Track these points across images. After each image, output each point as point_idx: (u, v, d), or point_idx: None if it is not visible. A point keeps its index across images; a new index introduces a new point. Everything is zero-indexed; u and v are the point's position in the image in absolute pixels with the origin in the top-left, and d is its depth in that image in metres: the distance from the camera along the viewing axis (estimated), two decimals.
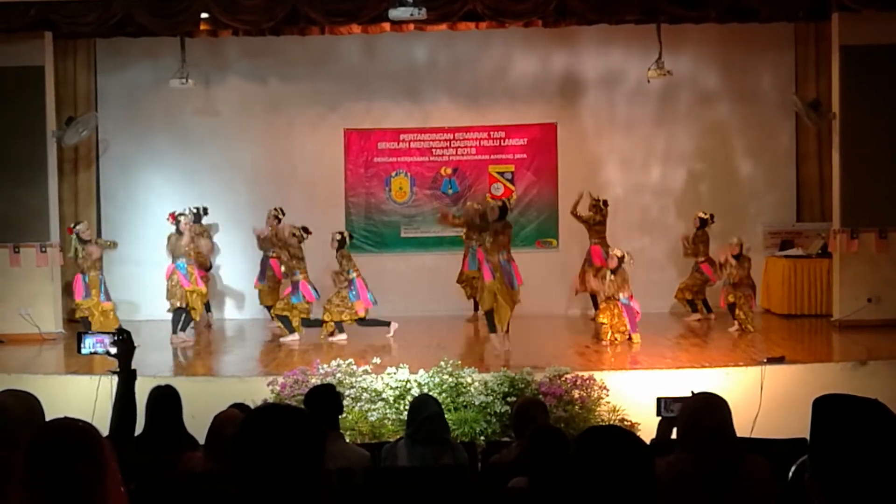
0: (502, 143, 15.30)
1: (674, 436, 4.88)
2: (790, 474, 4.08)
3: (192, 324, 13.01)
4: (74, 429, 2.66)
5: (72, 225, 12.95)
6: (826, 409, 2.55)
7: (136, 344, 4.38)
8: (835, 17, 12.64)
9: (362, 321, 12.45)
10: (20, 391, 3.35)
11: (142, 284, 14.55)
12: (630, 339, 11.63)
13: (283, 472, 2.41)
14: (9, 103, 12.91)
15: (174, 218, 12.76)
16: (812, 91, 14.27)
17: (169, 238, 12.72)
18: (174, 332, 12.60)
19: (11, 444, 2.95)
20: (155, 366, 10.73)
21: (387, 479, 5.66)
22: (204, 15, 12.42)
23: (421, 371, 9.41)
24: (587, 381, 9.35)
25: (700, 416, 3.78)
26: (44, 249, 13.05)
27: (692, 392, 4.68)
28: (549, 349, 11.28)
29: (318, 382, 8.68)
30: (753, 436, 6.15)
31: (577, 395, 9.23)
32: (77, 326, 13.61)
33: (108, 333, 4.34)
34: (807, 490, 2.53)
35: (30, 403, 3.26)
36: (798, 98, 13.84)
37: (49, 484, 2.54)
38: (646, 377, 9.75)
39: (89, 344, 4.37)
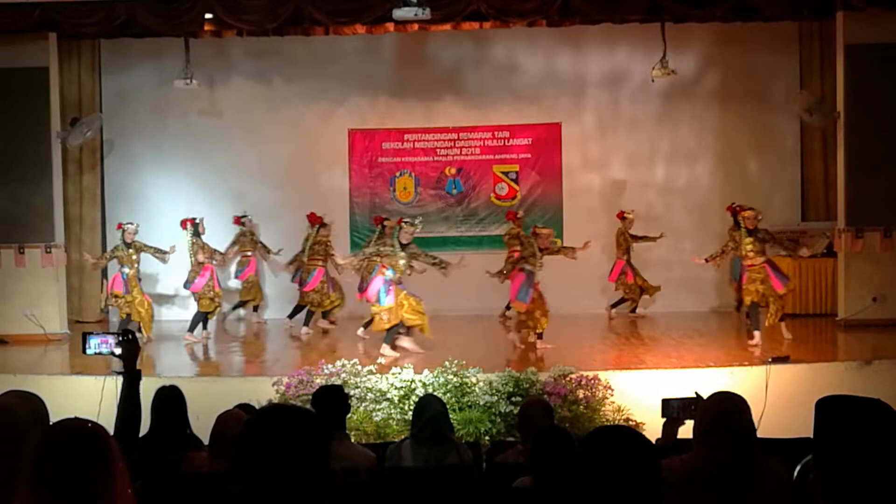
0: (506, 143, 15.31)
1: (680, 436, 4.89)
2: (795, 474, 4.07)
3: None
4: (83, 429, 2.66)
5: (123, 222, 13.04)
6: (829, 410, 2.55)
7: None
8: (839, 16, 12.62)
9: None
10: (25, 392, 3.35)
11: (146, 285, 14.55)
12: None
13: (287, 472, 2.41)
14: (14, 104, 12.93)
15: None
16: (817, 90, 14.25)
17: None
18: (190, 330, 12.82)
19: (16, 445, 2.95)
20: (160, 366, 10.75)
21: (392, 479, 5.65)
22: (208, 15, 12.42)
23: (425, 371, 9.41)
24: (592, 381, 9.34)
25: (728, 414, 3.79)
26: (49, 250, 13.06)
27: (696, 393, 4.67)
28: (554, 349, 11.27)
29: (323, 383, 8.70)
30: (759, 435, 6.14)
31: (581, 395, 9.22)
32: (83, 327, 13.66)
33: (112, 334, 4.34)
34: (811, 490, 2.53)
35: (34, 404, 3.25)
36: (800, 98, 13.80)
37: (57, 484, 2.54)
38: (651, 377, 9.74)
39: (94, 344, 4.37)
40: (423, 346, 11.34)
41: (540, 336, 11.47)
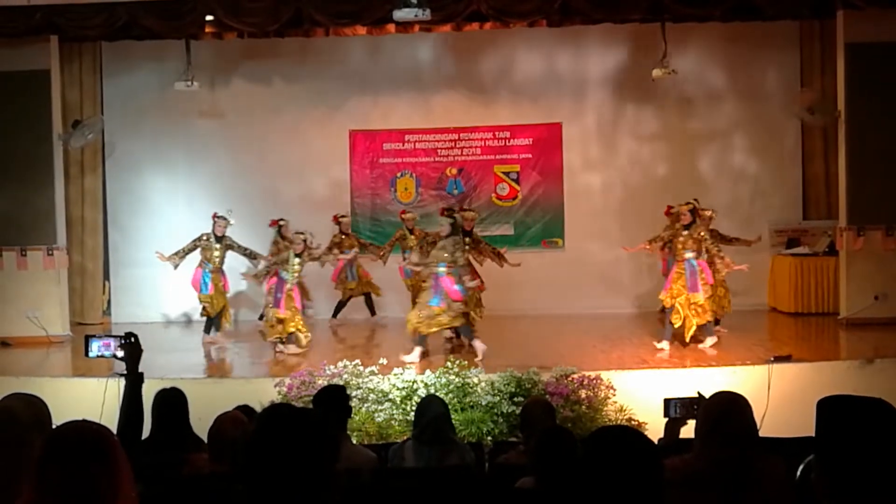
0: (507, 143, 15.31)
1: (682, 436, 4.89)
2: (798, 473, 4.07)
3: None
4: (88, 430, 2.67)
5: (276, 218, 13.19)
6: (831, 409, 2.55)
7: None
8: (840, 15, 12.61)
9: None
10: (27, 394, 3.35)
11: (148, 286, 14.58)
12: None
13: (294, 473, 2.41)
14: (15, 107, 12.93)
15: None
16: (818, 88, 14.22)
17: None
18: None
19: (19, 448, 2.96)
20: (161, 368, 10.73)
21: (394, 480, 5.66)
22: (209, 17, 12.43)
23: (427, 372, 9.42)
24: (594, 381, 9.34)
25: (729, 414, 3.80)
26: (50, 252, 13.07)
27: (698, 393, 4.68)
28: (556, 349, 11.27)
29: (325, 384, 8.68)
30: (761, 435, 6.15)
31: (583, 395, 9.22)
32: (85, 329, 13.67)
33: (115, 336, 4.35)
34: (814, 489, 2.53)
35: (37, 407, 3.26)
36: (801, 96, 13.81)
37: (61, 486, 2.54)
38: (653, 376, 9.74)
39: (96, 347, 4.38)
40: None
41: (284, 341, 11.75)
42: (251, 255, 12.79)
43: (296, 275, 11.87)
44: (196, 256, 12.70)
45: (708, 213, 12.21)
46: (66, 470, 2.56)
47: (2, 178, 12.85)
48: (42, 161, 13.07)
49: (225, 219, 12.57)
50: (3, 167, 12.86)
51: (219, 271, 12.72)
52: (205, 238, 12.57)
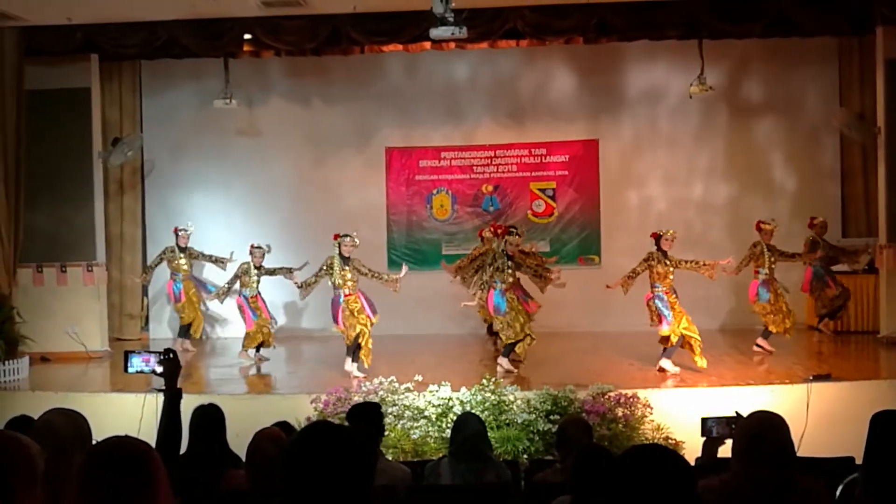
0: (543, 160, 15.29)
1: (720, 455, 4.85)
2: (838, 493, 4.02)
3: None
4: (129, 446, 2.69)
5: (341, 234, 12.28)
6: (884, 425, 2.53)
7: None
8: (879, 31, 12.54)
9: None
10: (68, 409, 3.39)
11: None
12: None
13: (332, 490, 2.41)
14: (56, 124, 13.12)
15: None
16: (856, 105, 14.13)
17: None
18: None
19: (60, 462, 2.99)
20: (198, 383, 10.82)
21: (430, 497, 5.65)
22: (247, 36, 12.56)
23: (463, 389, 9.40)
24: (631, 399, 9.30)
25: (765, 434, 3.76)
26: (90, 268, 13.24)
27: (736, 412, 4.64)
28: (592, 367, 11.23)
29: (361, 400, 8.70)
30: (800, 454, 6.08)
31: (620, 414, 9.17)
32: (124, 344, 13.79)
33: (154, 353, 4.40)
34: None
35: (77, 422, 3.30)
36: (840, 114, 13.71)
37: (101, 500, 2.56)
38: (690, 395, 9.68)
39: (136, 363, 4.43)
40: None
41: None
42: (217, 261, 13.51)
43: (255, 286, 12.44)
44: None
45: (770, 227, 12.24)
46: (106, 485, 2.57)
47: (43, 195, 13.01)
48: (82, 178, 13.26)
49: (185, 230, 13.48)
50: (45, 184, 13.02)
51: (189, 279, 13.58)
52: (169, 251, 13.50)
